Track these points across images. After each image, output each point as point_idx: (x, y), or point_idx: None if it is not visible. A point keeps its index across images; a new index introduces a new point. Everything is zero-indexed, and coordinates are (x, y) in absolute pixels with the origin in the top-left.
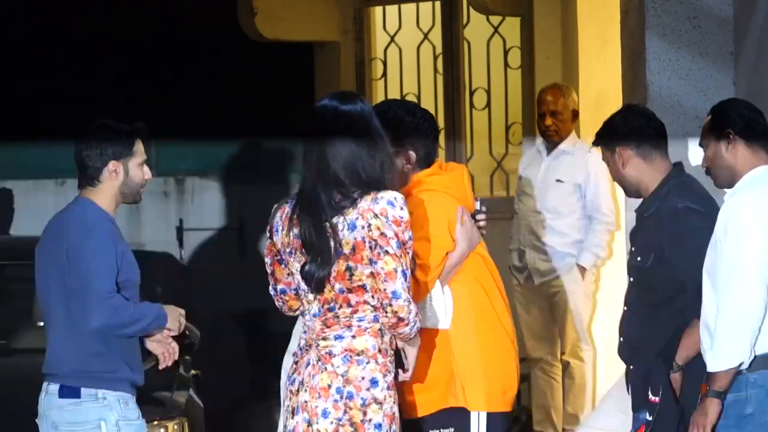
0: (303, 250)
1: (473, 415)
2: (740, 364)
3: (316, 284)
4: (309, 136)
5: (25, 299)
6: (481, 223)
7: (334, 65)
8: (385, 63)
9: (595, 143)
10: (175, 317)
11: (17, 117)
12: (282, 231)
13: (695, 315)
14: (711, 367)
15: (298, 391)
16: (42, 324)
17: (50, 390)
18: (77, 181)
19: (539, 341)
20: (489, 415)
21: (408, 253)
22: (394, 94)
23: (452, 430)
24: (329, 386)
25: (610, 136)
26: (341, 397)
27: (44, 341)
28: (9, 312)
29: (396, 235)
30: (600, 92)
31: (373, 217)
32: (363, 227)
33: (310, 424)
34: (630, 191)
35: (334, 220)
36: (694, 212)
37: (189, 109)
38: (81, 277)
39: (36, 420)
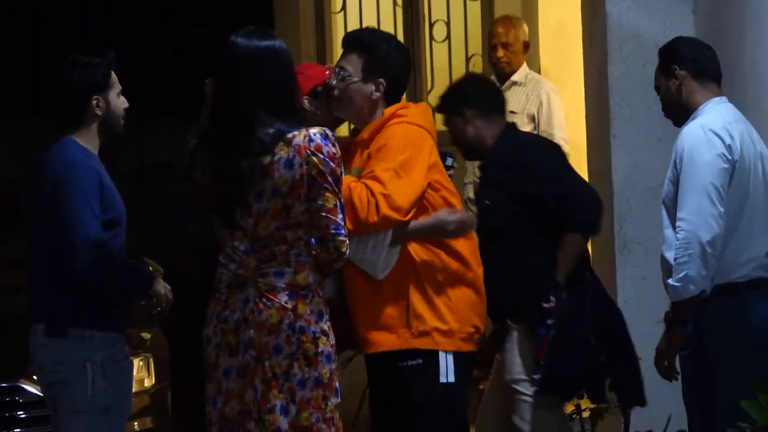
0: (221, 188)
1: (441, 354)
2: (701, 293)
3: (233, 223)
4: (225, 71)
5: None
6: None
7: (294, 1)
8: None
9: (441, 110)
10: (162, 288)
11: None
12: (201, 167)
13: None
14: (673, 297)
15: (236, 328)
16: None
17: (38, 330)
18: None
19: None
20: (455, 355)
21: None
22: (353, 27)
23: (421, 361)
24: (280, 322)
25: (459, 102)
26: (293, 332)
27: None
28: None
29: (332, 171)
30: (559, 21)
31: (310, 155)
32: (301, 165)
33: (259, 360)
34: (469, 152)
35: (268, 158)
36: (534, 143)
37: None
38: (66, 219)
39: None
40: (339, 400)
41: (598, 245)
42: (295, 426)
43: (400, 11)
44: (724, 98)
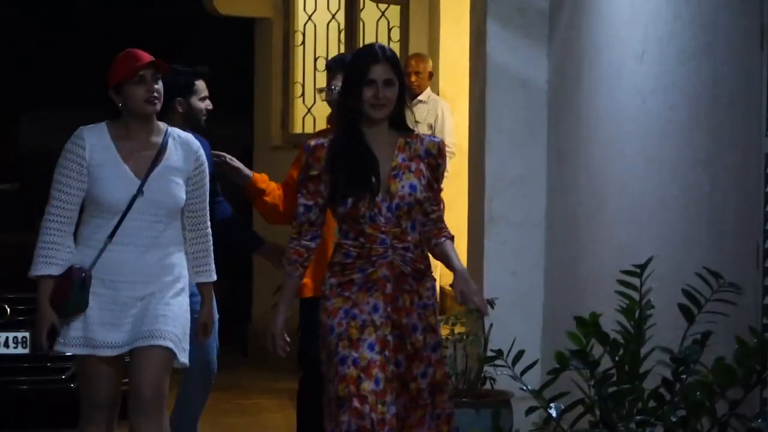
0: None
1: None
2: None
3: None
4: None
5: None
6: None
7: (268, 36)
8: (304, 34)
9: None
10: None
11: None
12: None
13: None
14: None
15: None
16: None
17: None
18: None
19: None
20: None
21: None
22: (309, 57)
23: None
24: None
25: None
26: None
27: None
28: None
29: None
30: (454, 60)
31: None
32: None
33: None
34: None
35: None
36: None
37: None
38: None
39: None
40: None
41: (473, 217)
42: None
43: (342, 47)
44: None
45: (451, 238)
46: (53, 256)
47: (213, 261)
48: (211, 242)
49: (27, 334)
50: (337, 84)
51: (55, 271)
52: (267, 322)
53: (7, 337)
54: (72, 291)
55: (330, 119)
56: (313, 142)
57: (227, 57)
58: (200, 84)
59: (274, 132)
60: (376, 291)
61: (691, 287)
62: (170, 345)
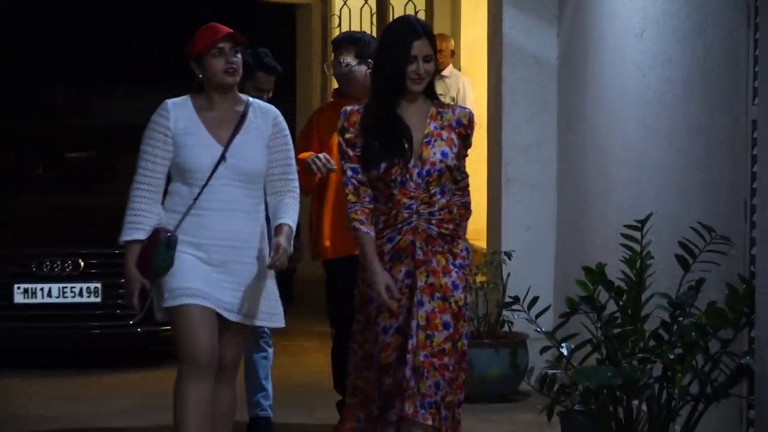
0: None
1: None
2: None
3: None
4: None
5: None
6: None
7: (308, 19)
8: (340, 18)
9: None
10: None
11: None
12: None
13: None
14: None
15: None
16: None
17: None
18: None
19: None
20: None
21: None
22: None
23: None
24: None
25: None
26: None
27: None
28: None
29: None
30: (473, 41)
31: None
32: None
33: None
34: None
35: None
36: None
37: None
38: None
39: None
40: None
41: (492, 180)
42: None
43: (375, 29)
44: None
45: (468, 217)
46: (141, 222)
47: (296, 214)
48: (297, 206)
49: (99, 285)
50: (346, 59)
51: (143, 236)
52: (311, 272)
53: (81, 288)
54: (158, 249)
55: (336, 93)
56: (349, 108)
57: (271, 39)
58: (261, 75)
59: (314, 105)
60: (406, 258)
61: (686, 240)
62: (283, 324)
